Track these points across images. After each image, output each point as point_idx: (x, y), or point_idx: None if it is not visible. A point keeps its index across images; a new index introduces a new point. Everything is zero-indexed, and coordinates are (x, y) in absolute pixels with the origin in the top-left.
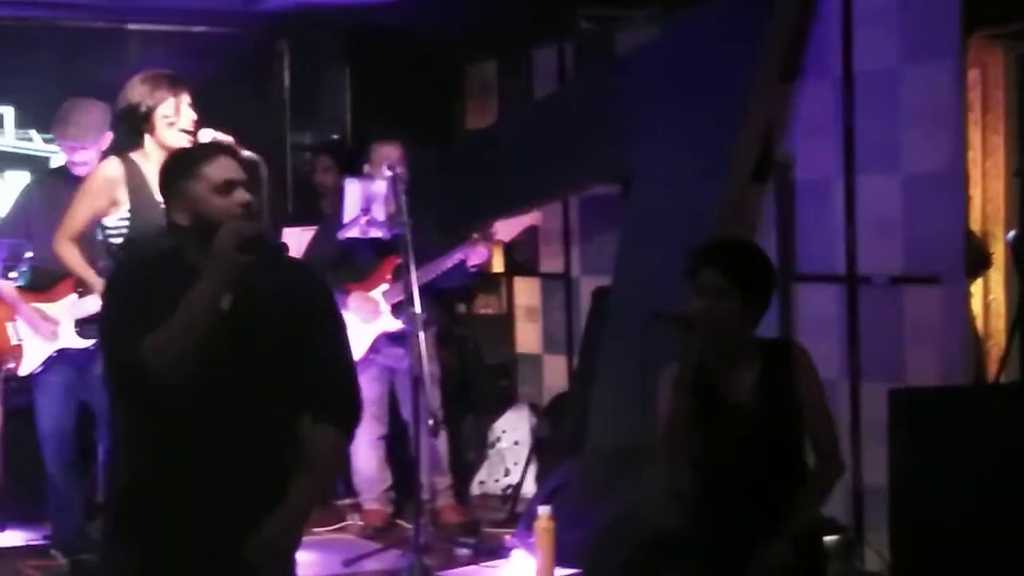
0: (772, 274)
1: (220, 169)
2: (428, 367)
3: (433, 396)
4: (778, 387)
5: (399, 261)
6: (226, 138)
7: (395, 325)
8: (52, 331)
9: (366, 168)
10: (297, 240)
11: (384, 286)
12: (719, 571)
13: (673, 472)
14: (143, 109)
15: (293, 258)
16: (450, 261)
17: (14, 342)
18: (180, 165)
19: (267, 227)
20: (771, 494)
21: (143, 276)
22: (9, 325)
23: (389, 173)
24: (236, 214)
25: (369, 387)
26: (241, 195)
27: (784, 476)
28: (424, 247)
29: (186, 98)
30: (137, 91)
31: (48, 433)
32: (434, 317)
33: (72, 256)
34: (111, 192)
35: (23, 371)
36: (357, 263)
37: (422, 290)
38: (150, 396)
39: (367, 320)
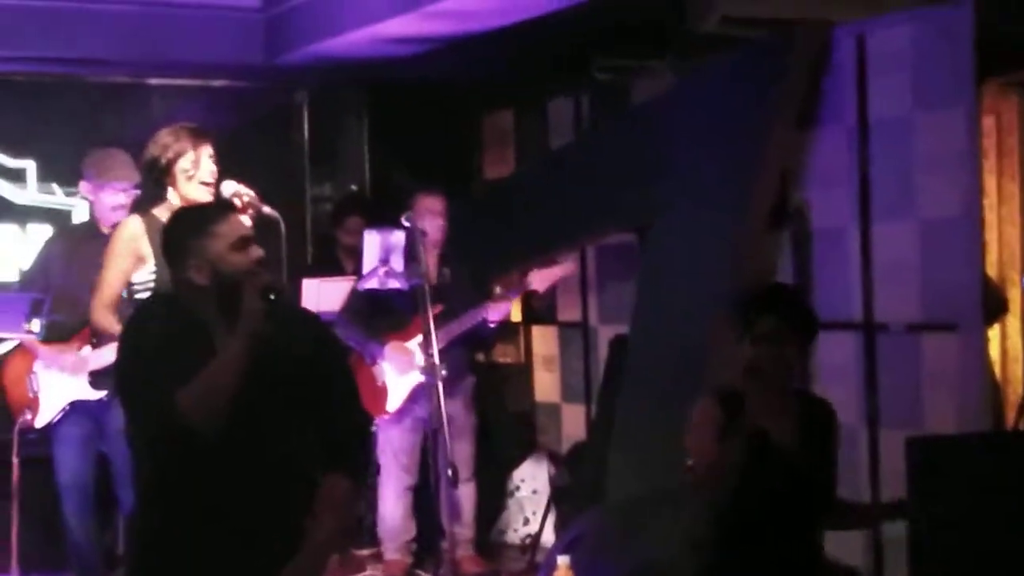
0: (816, 322)
1: (233, 227)
2: (465, 418)
3: (466, 447)
4: (816, 439)
5: (437, 311)
6: (247, 191)
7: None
8: (74, 362)
9: (407, 218)
10: (316, 291)
11: (420, 337)
12: None
13: (705, 512)
14: (163, 162)
15: (303, 309)
16: (474, 319)
17: (31, 394)
18: (189, 224)
19: (284, 282)
20: (805, 538)
21: (157, 332)
22: (28, 378)
23: (407, 224)
24: (254, 270)
25: (402, 438)
26: (256, 251)
27: (816, 520)
28: (460, 298)
29: (207, 150)
30: (158, 144)
31: (67, 485)
32: (471, 368)
33: (110, 324)
34: (135, 250)
35: (39, 423)
36: (395, 314)
37: (454, 342)
38: (183, 449)
39: (403, 371)
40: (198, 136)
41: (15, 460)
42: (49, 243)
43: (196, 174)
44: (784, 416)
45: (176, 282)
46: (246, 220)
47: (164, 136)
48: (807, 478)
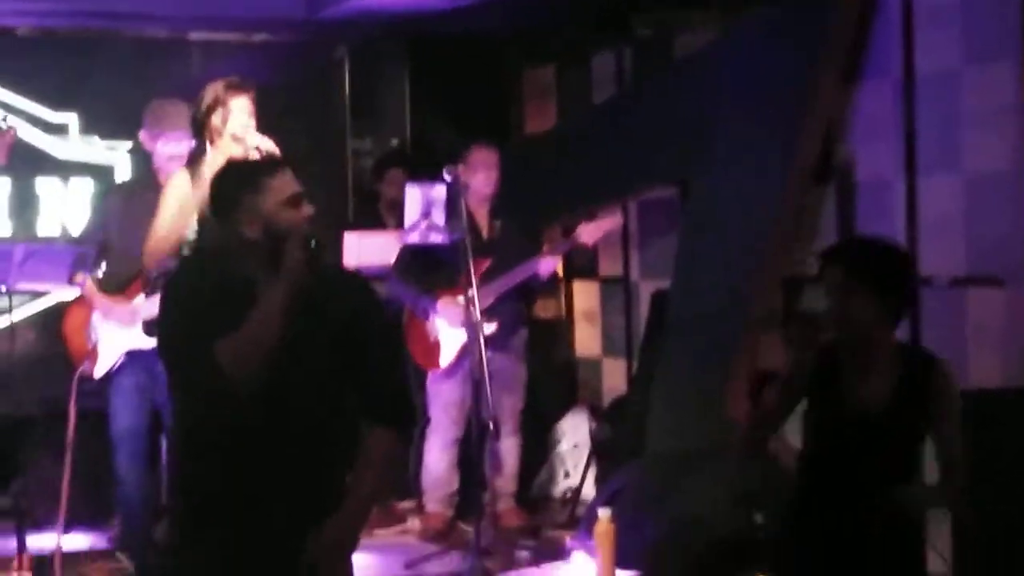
0: (907, 273)
1: (286, 183)
2: (515, 370)
3: (514, 400)
4: (912, 400)
5: (487, 265)
6: (270, 144)
7: (484, 330)
8: (128, 312)
9: (461, 170)
10: (357, 245)
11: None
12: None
13: (746, 469)
14: (199, 117)
15: (345, 269)
16: (526, 272)
17: (89, 345)
18: (240, 178)
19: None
20: (875, 503)
21: (198, 287)
22: (86, 328)
23: (448, 179)
24: (304, 228)
25: (452, 390)
26: (308, 208)
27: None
28: (511, 250)
29: (240, 103)
30: (198, 99)
31: (122, 434)
32: (524, 320)
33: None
34: (183, 203)
35: (97, 373)
36: (447, 269)
37: (505, 296)
38: (222, 401)
39: (455, 325)
40: (231, 88)
41: (72, 410)
42: (107, 196)
43: (225, 128)
44: (874, 373)
45: (225, 235)
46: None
47: (204, 91)
48: (888, 440)
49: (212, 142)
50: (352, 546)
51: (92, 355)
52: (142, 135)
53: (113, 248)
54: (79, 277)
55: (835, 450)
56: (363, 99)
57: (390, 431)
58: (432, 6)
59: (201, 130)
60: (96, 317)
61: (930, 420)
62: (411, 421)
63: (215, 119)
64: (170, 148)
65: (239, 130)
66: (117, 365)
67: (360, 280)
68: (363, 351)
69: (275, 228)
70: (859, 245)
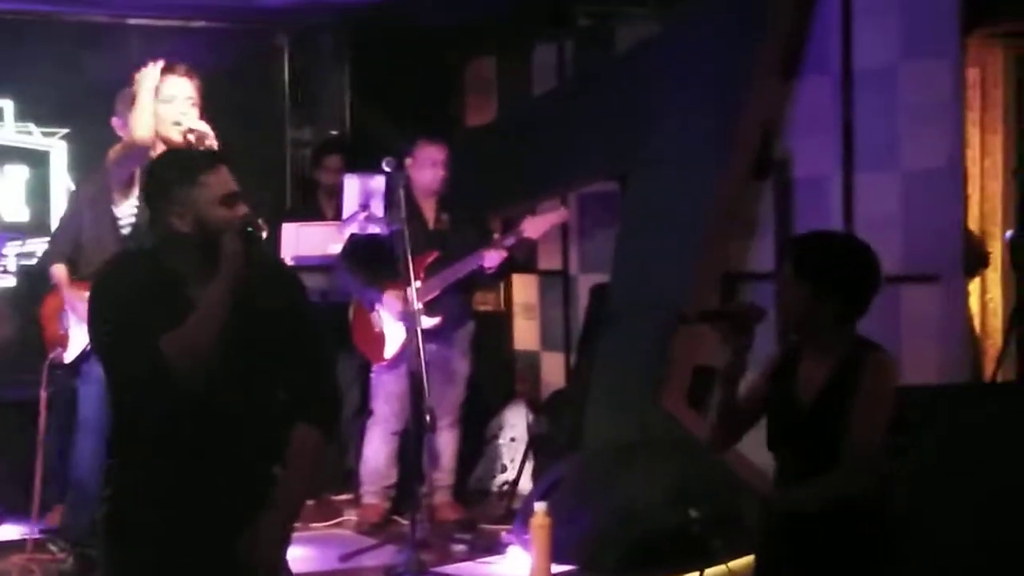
0: (852, 267)
1: (223, 181)
2: (459, 364)
3: (456, 393)
4: (840, 391)
5: (433, 258)
6: (204, 127)
7: (427, 322)
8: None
9: (408, 164)
10: (296, 236)
11: (416, 284)
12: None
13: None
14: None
15: (278, 261)
16: (471, 265)
17: (62, 331)
18: (176, 169)
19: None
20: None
21: (131, 283)
22: (60, 315)
23: (388, 170)
24: (238, 226)
25: (394, 382)
26: (242, 208)
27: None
28: (459, 242)
29: (177, 83)
30: (136, 81)
31: (85, 421)
32: (470, 314)
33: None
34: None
35: (67, 358)
36: (395, 261)
37: (451, 289)
38: (162, 395)
39: (397, 317)
40: (167, 70)
41: (43, 394)
42: (78, 186)
43: (166, 112)
44: (820, 363)
45: (155, 224)
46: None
47: (137, 74)
48: (814, 428)
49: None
50: (286, 542)
51: (63, 341)
52: (114, 121)
53: (87, 236)
54: (10, 263)
55: (778, 445)
56: (303, 88)
57: (317, 428)
58: None
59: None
60: (68, 305)
61: (851, 410)
62: (336, 419)
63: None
64: None
65: (177, 115)
66: (87, 353)
67: (290, 274)
68: (291, 346)
69: (207, 225)
70: (808, 240)
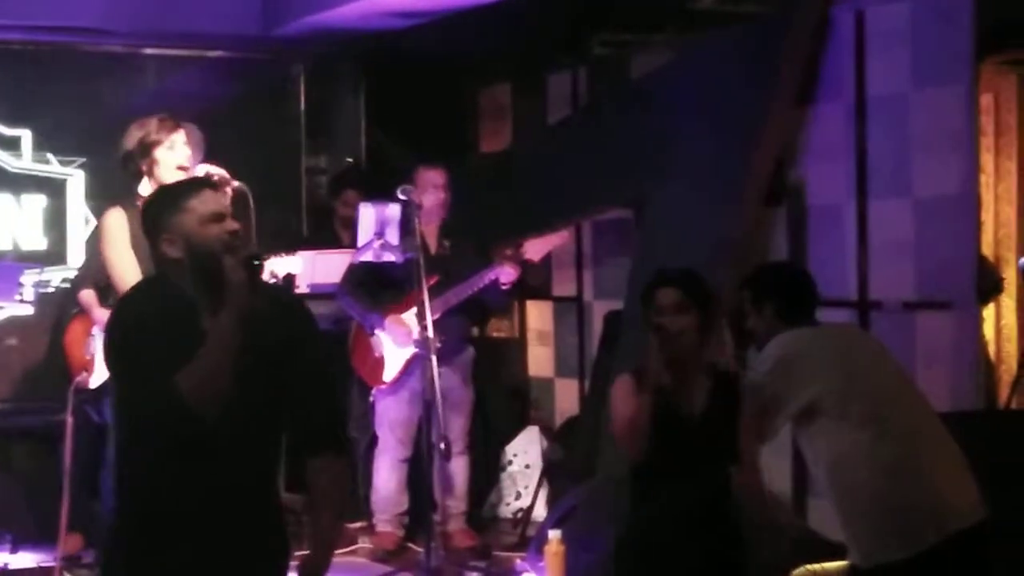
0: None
1: (206, 202)
2: (462, 391)
3: (461, 420)
4: (725, 407)
5: (433, 282)
6: (220, 171)
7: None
8: None
9: (409, 191)
10: (312, 264)
11: (413, 310)
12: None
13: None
14: (137, 155)
15: (284, 290)
16: (481, 282)
17: (87, 356)
18: (164, 201)
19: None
20: (707, 497)
21: (144, 313)
22: (86, 340)
23: (403, 197)
24: (228, 242)
25: (398, 409)
26: (231, 224)
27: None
28: (461, 268)
29: (179, 136)
30: (131, 137)
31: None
32: (469, 338)
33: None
34: (122, 241)
35: (93, 383)
36: (396, 286)
37: (456, 311)
38: (177, 428)
39: (400, 343)
40: (165, 124)
41: (69, 419)
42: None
43: (171, 159)
44: (692, 386)
45: (159, 260)
46: (223, 197)
47: (134, 129)
48: (710, 440)
49: (151, 176)
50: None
51: (89, 366)
52: None
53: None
54: (28, 293)
55: (669, 449)
56: (318, 117)
57: (338, 459)
58: (388, 25)
59: (138, 166)
60: (96, 329)
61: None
62: (347, 444)
63: (159, 153)
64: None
65: (185, 160)
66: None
67: (300, 304)
68: (305, 379)
69: (196, 246)
70: (687, 272)
